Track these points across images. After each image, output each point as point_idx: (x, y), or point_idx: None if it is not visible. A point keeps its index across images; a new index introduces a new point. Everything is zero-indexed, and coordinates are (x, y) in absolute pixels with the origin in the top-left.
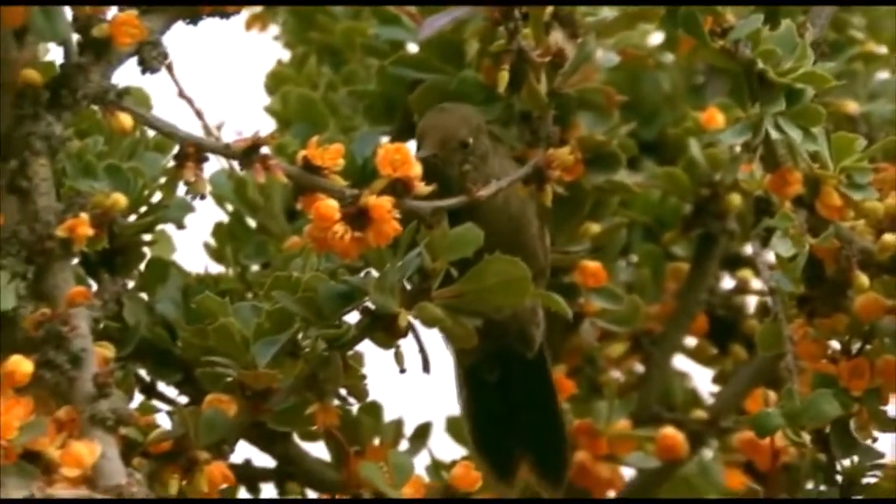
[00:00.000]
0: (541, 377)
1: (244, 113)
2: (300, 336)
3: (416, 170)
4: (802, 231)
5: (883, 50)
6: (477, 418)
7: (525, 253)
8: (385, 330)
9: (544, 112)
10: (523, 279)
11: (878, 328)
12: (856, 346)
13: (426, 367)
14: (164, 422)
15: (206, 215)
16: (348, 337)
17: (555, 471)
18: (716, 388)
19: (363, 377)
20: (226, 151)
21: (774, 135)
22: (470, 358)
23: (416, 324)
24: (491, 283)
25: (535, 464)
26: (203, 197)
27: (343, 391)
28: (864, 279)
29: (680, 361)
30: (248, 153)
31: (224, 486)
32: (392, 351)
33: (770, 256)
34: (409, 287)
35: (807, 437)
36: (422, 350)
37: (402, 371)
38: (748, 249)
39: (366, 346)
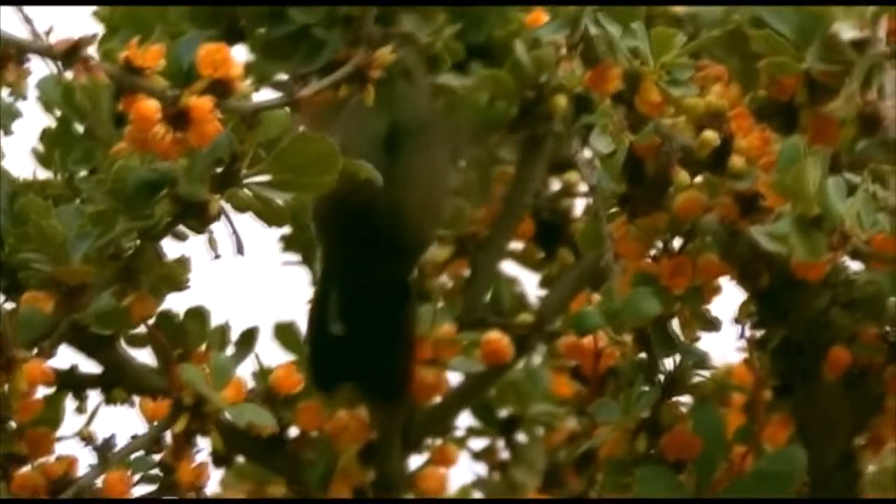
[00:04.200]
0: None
1: (75, 19)
2: (123, 240)
3: (237, 70)
4: (622, 127)
5: None
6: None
7: None
8: (196, 217)
9: (365, 13)
10: (332, 155)
11: (699, 226)
12: (677, 244)
13: (240, 250)
14: None
15: (35, 121)
16: (160, 227)
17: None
18: (543, 293)
19: (180, 266)
20: (48, 52)
21: (593, 30)
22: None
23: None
24: (299, 161)
25: (368, 385)
26: (25, 98)
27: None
28: (684, 176)
29: (509, 267)
30: (69, 54)
31: (44, 385)
32: (207, 240)
33: (590, 154)
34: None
35: (627, 337)
36: (234, 233)
37: (217, 257)
38: None
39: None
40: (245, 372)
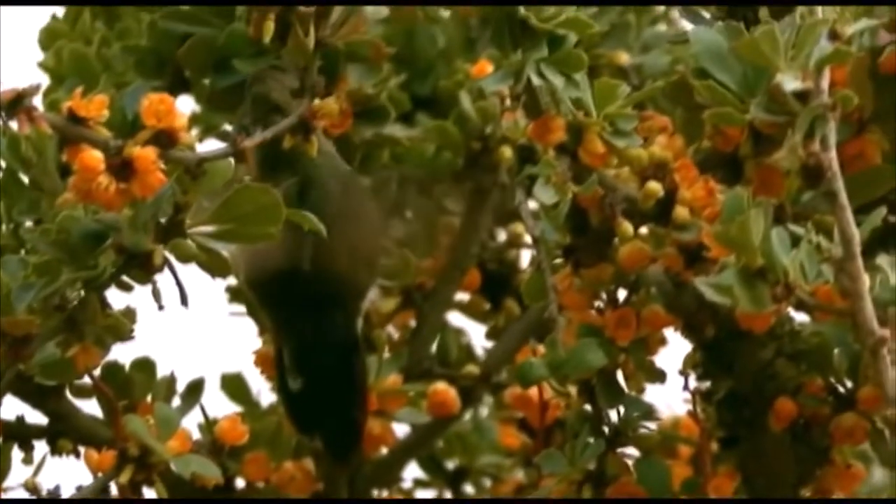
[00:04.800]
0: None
1: (21, 70)
2: (68, 291)
3: (181, 120)
4: (565, 178)
5: None
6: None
7: None
8: (141, 267)
9: (309, 63)
10: (276, 206)
11: (644, 277)
12: (622, 295)
13: (184, 301)
14: None
15: None
16: (104, 277)
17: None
18: (490, 344)
19: (125, 316)
20: None
21: (536, 81)
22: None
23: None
24: (243, 211)
25: (327, 440)
26: None
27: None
28: (627, 227)
29: (456, 318)
30: (12, 104)
31: None
32: (151, 290)
33: (534, 205)
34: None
35: (573, 389)
36: (178, 284)
37: (161, 308)
38: None
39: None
40: (191, 423)
